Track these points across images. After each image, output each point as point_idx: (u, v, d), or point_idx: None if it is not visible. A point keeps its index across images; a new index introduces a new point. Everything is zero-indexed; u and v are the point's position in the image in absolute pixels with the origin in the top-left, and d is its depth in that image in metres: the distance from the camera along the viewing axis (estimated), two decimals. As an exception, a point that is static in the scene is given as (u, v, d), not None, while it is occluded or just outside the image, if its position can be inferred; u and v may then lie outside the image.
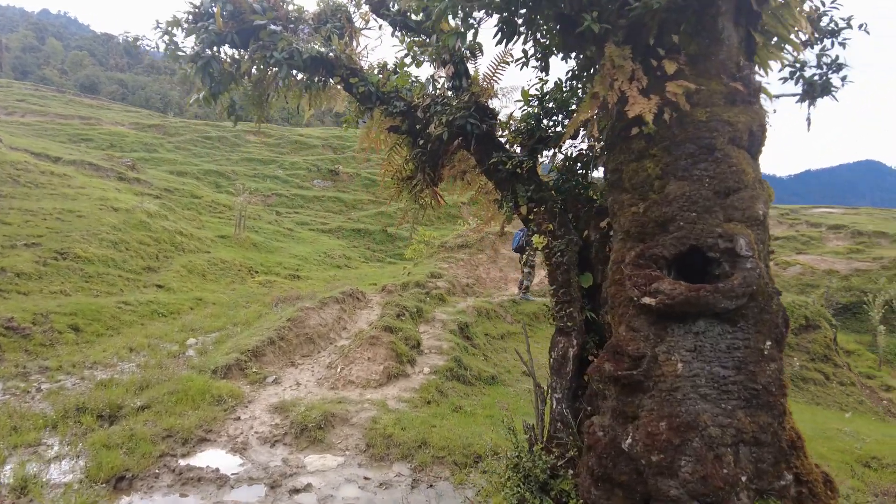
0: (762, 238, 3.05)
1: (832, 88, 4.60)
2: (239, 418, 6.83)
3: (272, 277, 19.72)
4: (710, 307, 2.88)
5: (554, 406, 3.82)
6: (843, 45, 4.93)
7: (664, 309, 2.96)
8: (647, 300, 3.02)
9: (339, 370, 8.35)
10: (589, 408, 3.66)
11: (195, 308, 13.77)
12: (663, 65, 3.13)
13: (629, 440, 3.04)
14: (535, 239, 4.00)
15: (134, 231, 17.43)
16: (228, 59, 4.82)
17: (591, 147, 4.85)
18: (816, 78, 4.64)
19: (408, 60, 4.72)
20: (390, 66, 5.24)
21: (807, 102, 4.63)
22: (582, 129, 4.81)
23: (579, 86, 4.17)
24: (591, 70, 3.99)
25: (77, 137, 33.91)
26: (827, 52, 4.88)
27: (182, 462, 5.68)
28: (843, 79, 4.64)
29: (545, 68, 4.10)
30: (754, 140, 3.17)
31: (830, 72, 4.63)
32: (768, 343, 2.96)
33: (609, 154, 3.54)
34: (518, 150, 4.76)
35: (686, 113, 3.13)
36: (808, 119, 4.60)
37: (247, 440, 6.31)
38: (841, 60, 4.57)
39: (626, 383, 3.06)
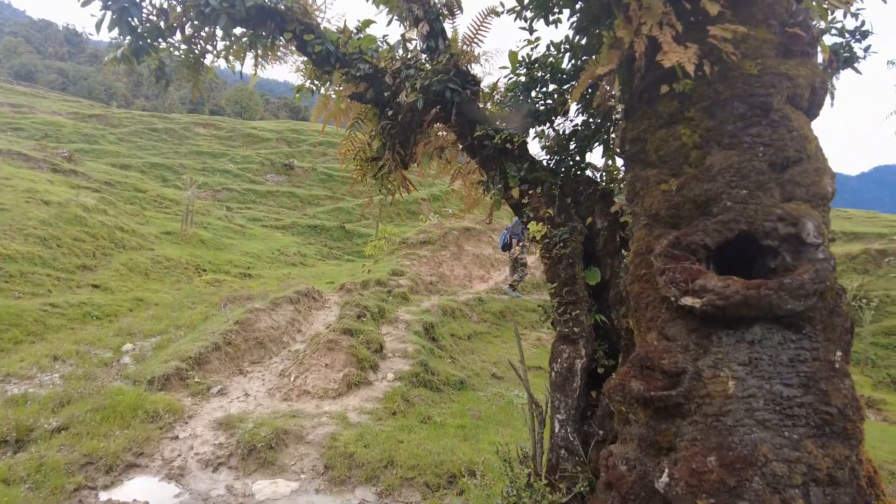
0: (827, 222, 2.45)
1: (856, 59, 4.12)
2: (177, 437, 5.93)
3: (221, 276, 18.53)
4: (772, 309, 2.25)
5: (556, 429, 3.15)
6: (855, 16, 4.44)
7: (712, 312, 2.31)
8: (688, 301, 2.37)
9: (292, 379, 7.50)
10: (601, 432, 3.01)
11: (135, 310, 12.59)
12: (703, 6, 2.48)
13: (665, 478, 2.39)
14: (532, 227, 3.32)
15: (67, 226, 15.99)
16: (154, 10, 3.95)
17: (585, 123, 4.21)
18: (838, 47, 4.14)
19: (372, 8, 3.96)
20: (352, 27, 4.47)
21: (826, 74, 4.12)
22: (575, 103, 4.17)
23: (582, 41, 3.49)
24: (598, 28, 3.32)
25: (5, 126, 31.52)
26: (836, 24, 4.40)
27: (103, 496, 4.77)
28: (867, 49, 4.16)
29: (545, 16, 3.41)
30: (815, 100, 2.57)
31: (853, 40, 4.14)
32: (839, 354, 2.36)
33: (628, 121, 2.88)
34: (504, 124, 4.08)
35: (732, 65, 2.49)
36: (832, 93, 4.07)
37: (185, 464, 5.43)
38: (866, 27, 4.08)
39: (661, 406, 2.41)
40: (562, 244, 3.21)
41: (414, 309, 11.51)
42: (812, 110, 2.59)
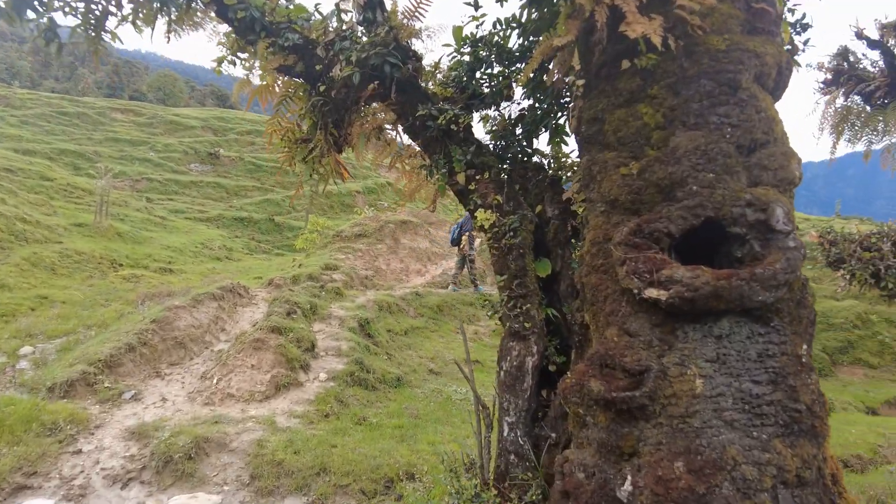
0: (792, 208, 2.32)
1: (797, 51, 4.11)
2: (80, 451, 5.30)
3: (139, 271, 17.30)
4: (743, 301, 2.08)
5: (505, 432, 2.91)
6: (792, 10, 4.46)
7: (679, 305, 2.13)
8: (653, 293, 2.17)
9: (215, 381, 6.94)
10: (553, 435, 2.79)
11: (37, 308, 11.46)
12: (666, -26, 2.29)
13: (628, 486, 2.19)
14: (480, 215, 3.06)
15: (-43, 217, 14.44)
16: (43, -41, 3.39)
17: (532, 107, 4.00)
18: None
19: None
20: (280, -4, 4.05)
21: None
22: (521, 87, 3.96)
23: (533, 14, 3.24)
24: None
25: None
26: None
27: (-15, 524, 4.15)
28: (806, 42, 4.18)
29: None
30: (781, 81, 2.44)
31: (794, 32, 4.14)
32: (805, 347, 2.24)
33: (585, 100, 2.66)
34: (448, 105, 3.79)
35: (698, 40, 2.32)
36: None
37: (88, 482, 4.85)
38: (807, 20, 4.09)
39: (624, 408, 2.21)
40: (511, 233, 2.97)
41: (348, 304, 11.08)
42: (777, 92, 2.46)
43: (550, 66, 2.88)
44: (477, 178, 3.22)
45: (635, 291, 2.23)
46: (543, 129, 3.99)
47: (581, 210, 3.12)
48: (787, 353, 2.18)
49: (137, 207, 24.75)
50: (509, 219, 3.00)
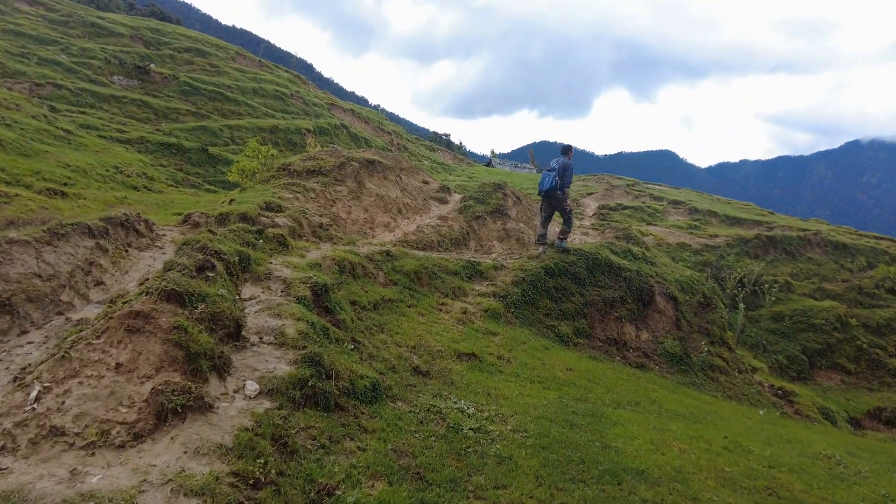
0: None
1: None
2: None
3: (16, 190, 13.12)
4: None
5: None
6: None
7: None
8: None
9: (33, 395, 3.53)
10: None
11: None
12: None
13: None
14: None
15: None
16: None
17: None
18: None
19: None
20: None
21: None
22: None
23: None
24: None
25: None
26: None
27: None
28: None
29: None
30: None
31: None
32: None
33: None
34: None
35: None
36: None
37: None
38: None
39: None
40: None
41: (296, 261, 7.70)
42: None
43: None
44: None
45: None
46: None
47: None
48: None
49: (34, 114, 19.96)
50: None
